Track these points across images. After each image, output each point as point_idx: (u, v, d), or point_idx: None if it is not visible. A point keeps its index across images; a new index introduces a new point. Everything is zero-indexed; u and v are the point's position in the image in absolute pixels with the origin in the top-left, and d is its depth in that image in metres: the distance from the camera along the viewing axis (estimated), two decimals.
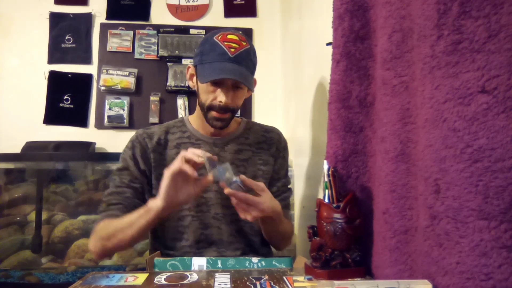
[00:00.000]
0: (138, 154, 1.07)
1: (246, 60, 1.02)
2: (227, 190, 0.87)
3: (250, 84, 1.03)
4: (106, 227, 0.97)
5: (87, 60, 2.26)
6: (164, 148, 1.10)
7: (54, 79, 2.21)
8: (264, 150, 1.16)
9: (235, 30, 1.07)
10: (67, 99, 2.21)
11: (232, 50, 0.99)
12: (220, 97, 1.01)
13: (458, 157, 0.49)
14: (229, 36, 1.01)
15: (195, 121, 1.15)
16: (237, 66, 0.99)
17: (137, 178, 1.06)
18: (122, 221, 0.95)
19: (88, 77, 2.24)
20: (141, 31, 2.27)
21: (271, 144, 1.17)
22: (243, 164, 1.11)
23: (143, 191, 1.07)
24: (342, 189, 0.80)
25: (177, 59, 2.26)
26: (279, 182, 1.17)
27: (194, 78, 1.08)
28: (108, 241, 0.96)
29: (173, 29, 2.28)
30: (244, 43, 1.02)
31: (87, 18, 2.27)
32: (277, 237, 1.10)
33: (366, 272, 0.75)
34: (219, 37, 1.01)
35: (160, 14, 2.33)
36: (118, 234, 0.95)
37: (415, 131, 0.62)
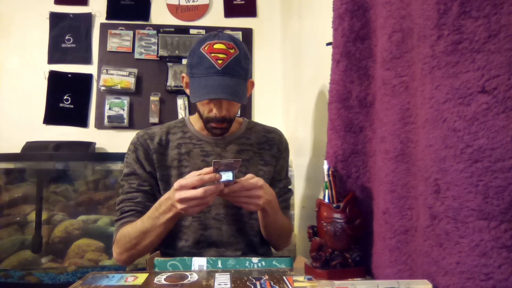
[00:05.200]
0: (142, 157, 1.07)
1: (236, 69, 0.99)
2: (225, 191, 0.87)
3: (241, 97, 1.00)
4: (128, 236, 0.97)
5: (87, 60, 2.26)
6: (166, 149, 1.10)
7: (54, 79, 2.21)
8: (266, 151, 1.16)
9: (223, 33, 1.03)
10: (67, 99, 2.21)
11: (220, 62, 0.96)
12: (214, 111, 1.01)
13: (458, 157, 0.49)
14: (215, 46, 0.98)
15: (196, 122, 1.15)
16: (226, 79, 0.97)
17: (146, 180, 1.07)
18: (142, 225, 0.95)
19: (88, 77, 2.24)
20: (141, 31, 2.28)
21: (272, 145, 1.17)
22: (245, 165, 1.11)
23: (153, 193, 1.07)
24: (342, 189, 0.80)
25: (177, 59, 2.26)
26: (280, 183, 1.18)
27: (189, 95, 1.07)
28: (134, 249, 0.98)
29: (173, 29, 2.28)
30: (232, 51, 0.98)
31: (87, 18, 2.27)
32: (275, 233, 1.10)
33: (366, 272, 0.75)
34: (206, 48, 0.98)
35: (160, 14, 2.33)
36: (142, 240, 0.96)
37: (415, 131, 0.62)
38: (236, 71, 0.99)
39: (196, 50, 1.01)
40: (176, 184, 0.85)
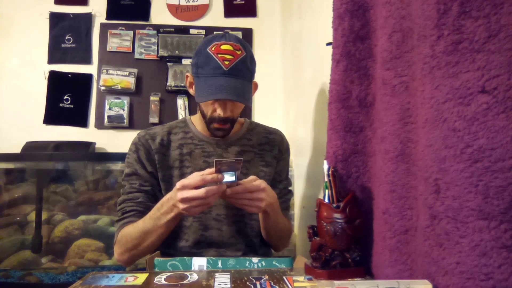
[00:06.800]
0: (143, 157, 1.07)
1: (242, 70, 0.99)
2: (228, 192, 0.87)
3: (246, 99, 1.00)
4: (129, 236, 0.97)
5: (87, 60, 2.26)
6: (167, 149, 1.10)
7: (54, 79, 2.21)
8: (267, 152, 1.16)
9: (230, 34, 1.03)
10: (67, 99, 2.21)
11: (227, 62, 0.96)
12: (219, 111, 1.01)
13: (458, 157, 0.49)
14: (222, 47, 0.98)
15: (197, 122, 1.15)
16: (232, 80, 0.97)
17: (147, 180, 1.06)
18: (144, 225, 0.95)
19: (88, 77, 2.24)
20: (141, 31, 2.28)
21: (273, 146, 1.17)
22: (245, 165, 1.11)
23: (154, 193, 1.07)
24: (342, 189, 0.80)
25: (177, 59, 2.26)
26: (280, 184, 1.18)
27: (194, 86, 1.07)
28: (136, 249, 0.98)
29: (173, 29, 2.28)
30: (238, 52, 0.99)
31: (87, 18, 2.27)
32: (275, 235, 1.10)
33: (366, 272, 0.75)
34: (213, 49, 0.98)
35: (160, 14, 2.33)
36: (144, 241, 0.96)
37: (415, 131, 0.62)
38: (242, 73, 0.99)
39: (202, 50, 1.01)
40: (178, 184, 0.85)
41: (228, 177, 0.86)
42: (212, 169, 0.85)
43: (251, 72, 1.04)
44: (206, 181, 0.84)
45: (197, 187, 0.84)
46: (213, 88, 0.96)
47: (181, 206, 0.85)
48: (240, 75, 0.99)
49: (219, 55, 0.97)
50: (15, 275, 1.76)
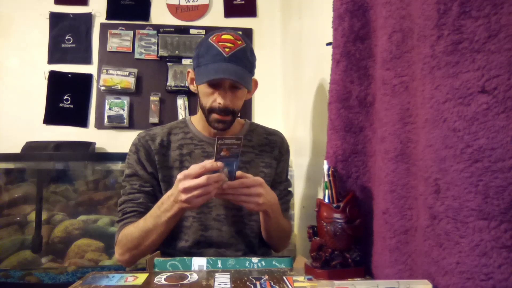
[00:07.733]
0: (143, 158, 1.07)
1: (242, 59, 1.00)
2: (225, 186, 0.87)
3: (246, 83, 1.01)
4: (130, 236, 0.98)
5: (87, 60, 2.26)
6: (167, 149, 1.10)
7: (54, 79, 2.21)
8: (267, 153, 1.16)
9: (231, 29, 1.06)
10: (67, 99, 2.21)
11: (227, 49, 0.98)
12: (219, 99, 1.01)
13: (458, 157, 0.49)
14: (223, 36, 1.00)
15: (197, 122, 1.15)
16: (232, 65, 0.98)
17: (147, 181, 1.07)
18: (144, 224, 0.96)
19: (88, 77, 2.24)
20: (141, 31, 2.28)
21: (274, 147, 1.17)
22: (245, 166, 1.11)
23: (155, 194, 1.07)
24: (342, 189, 0.80)
25: (177, 59, 2.26)
26: (281, 185, 1.17)
27: (195, 82, 1.08)
28: (136, 249, 0.98)
29: (173, 29, 2.28)
30: (239, 42, 1.01)
31: (87, 18, 2.27)
32: (276, 236, 1.10)
33: (366, 272, 0.75)
34: (214, 38, 1.00)
35: (160, 14, 2.33)
36: (144, 240, 0.96)
37: (415, 131, 0.62)
38: (242, 61, 1.00)
39: (203, 42, 1.03)
40: (180, 175, 0.86)
41: (228, 166, 0.87)
42: (212, 160, 0.85)
43: (251, 63, 1.05)
44: (206, 168, 0.84)
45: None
46: (212, 71, 0.98)
47: (183, 197, 0.85)
48: (240, 62, 1.00)
49: (220, 43, 0.99)
50: (15, 275, 1.76)
